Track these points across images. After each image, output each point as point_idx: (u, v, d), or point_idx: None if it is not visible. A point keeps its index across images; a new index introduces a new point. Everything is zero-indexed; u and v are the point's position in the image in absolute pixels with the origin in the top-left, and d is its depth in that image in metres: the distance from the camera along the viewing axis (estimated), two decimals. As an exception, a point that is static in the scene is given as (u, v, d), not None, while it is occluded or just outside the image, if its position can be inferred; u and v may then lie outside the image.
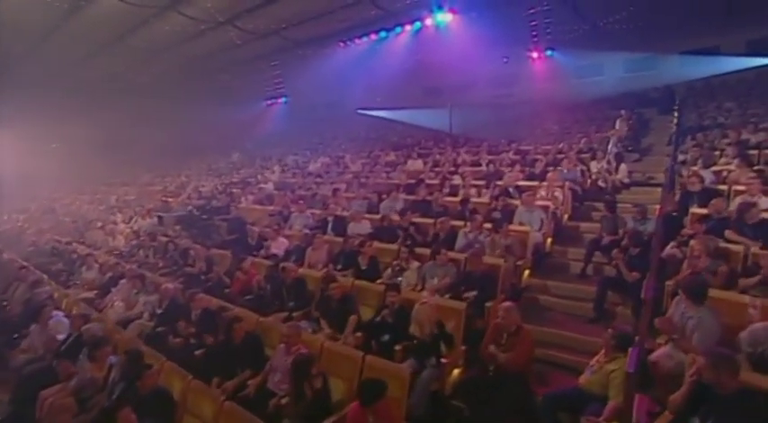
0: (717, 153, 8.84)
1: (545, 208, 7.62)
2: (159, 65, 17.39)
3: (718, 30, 16.27)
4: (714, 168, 7.83)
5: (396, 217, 7.99)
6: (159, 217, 10.55)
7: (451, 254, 6.32)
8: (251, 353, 5.10)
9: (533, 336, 4.74)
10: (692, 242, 5.31)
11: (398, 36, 14.62)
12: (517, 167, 9.96)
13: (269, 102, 27.80)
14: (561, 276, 6.84)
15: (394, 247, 7.10)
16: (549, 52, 18.75)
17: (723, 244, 5.37)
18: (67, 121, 18.65)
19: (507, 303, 4.58)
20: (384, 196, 9.55)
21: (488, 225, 6.89)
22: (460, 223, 7.43)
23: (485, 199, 8.53)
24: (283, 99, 27.43)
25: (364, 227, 8.34)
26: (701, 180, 6.73)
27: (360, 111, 25.64)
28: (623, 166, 9.58)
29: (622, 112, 11.89)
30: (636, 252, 5.70)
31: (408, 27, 14.10)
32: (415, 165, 12.43)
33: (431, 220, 7.81)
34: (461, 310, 5.05)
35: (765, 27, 15.52)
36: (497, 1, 13.61)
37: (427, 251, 6.49)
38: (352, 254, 6.96)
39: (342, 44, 16.19)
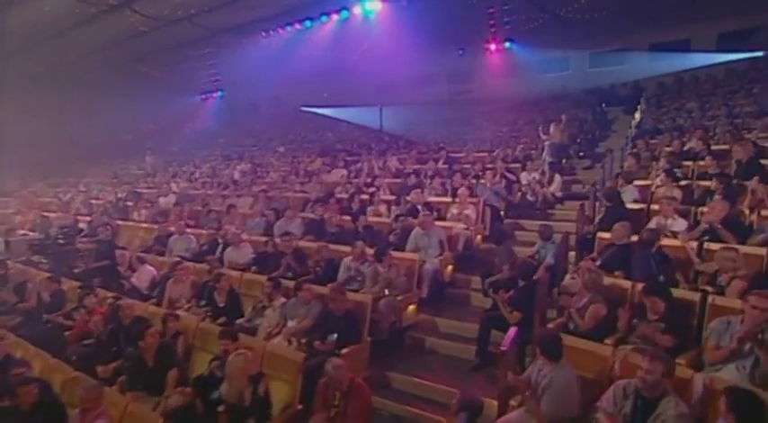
0: (654, 163, 8.80)
1: (448, 229, 7.39)
2: (53, 52, 16.65)
3: (689, 22, 16.52)
4: (640, 182, 7.73)
5: (285, 241, 7.62)
6: (6, 242, 9.92)
7: (321, 289, 6.00)
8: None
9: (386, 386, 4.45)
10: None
11: (324, 26, 14.40)
12: (437, 180, 9.75)
13: (203, 96, 27.28)
14: (456, 312, 6.60)
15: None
16: (507, 44, 18.75)
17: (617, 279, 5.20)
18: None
19: (336, 360, 4.29)
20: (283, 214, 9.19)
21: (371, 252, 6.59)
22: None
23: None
24: (219, 93, 26.95)
25: (244, 253, 7.96)
26: (612, 197, 6.60)
27: (304, 108, 25.28)
28: (557, 178, 9.47)
29: (563, 116, 11.68)
30: (522, 285, 5.47)
31: (335, 16, 13.89)
32: (335, 175, 12.14)
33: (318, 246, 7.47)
34: (298, 361, 4.73)
35: (734, 20, 15.81)
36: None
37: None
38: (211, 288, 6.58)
39: (264, 34, 15.87)
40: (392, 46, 15.83)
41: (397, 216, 7.98)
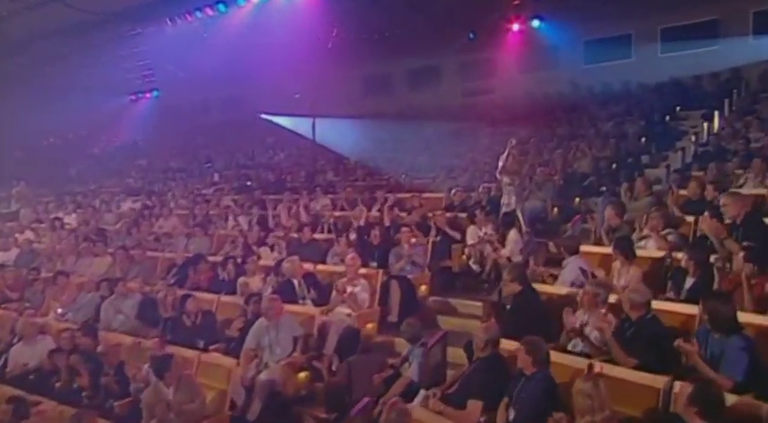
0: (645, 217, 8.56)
1: (311, 318, 7.49)
2: None
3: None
4: (594, 249, 7.61)
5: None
6: None
7: (62, 411, 6.16)
8: None
9: None
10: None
11: (242, 9, 15.09)
12: (349, 237, 9.86)
13: (133, 96, 28.57)
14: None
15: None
16: (535, 23, 18.65)
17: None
18: None
19: None
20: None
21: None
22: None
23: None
24: (154, 93, 28.14)
25: (38, 351, 8.16)
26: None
27: (263, 115, 25.81)
28: (512, 236, 9.30)
29: (512, 140, 10.64)
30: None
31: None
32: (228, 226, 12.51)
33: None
34: None
35: None
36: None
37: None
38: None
39: (169, 22, 16.76)
40: (350, 32, 16.26)
41: (250, 296, 8.08)
